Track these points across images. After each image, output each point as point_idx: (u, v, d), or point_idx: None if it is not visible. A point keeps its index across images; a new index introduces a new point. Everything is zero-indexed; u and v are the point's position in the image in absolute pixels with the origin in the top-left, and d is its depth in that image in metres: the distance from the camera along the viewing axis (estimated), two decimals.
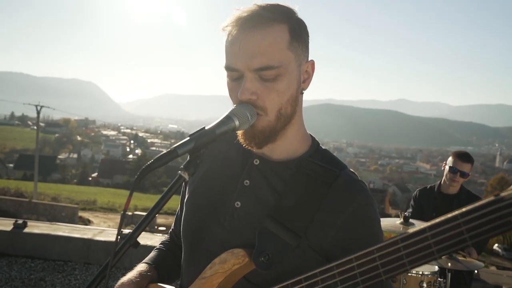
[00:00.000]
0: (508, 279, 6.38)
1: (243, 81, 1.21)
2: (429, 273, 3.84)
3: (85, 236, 7.10)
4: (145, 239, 7.12)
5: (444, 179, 4.46)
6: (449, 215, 0.95)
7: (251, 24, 1.19)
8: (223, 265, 1.23)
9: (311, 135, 1.40)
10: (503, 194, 0.91)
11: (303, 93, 1.31)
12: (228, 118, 1.19)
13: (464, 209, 0.93)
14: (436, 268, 3.95)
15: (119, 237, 1.14)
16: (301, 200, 1.24)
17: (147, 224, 1.20)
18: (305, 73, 1.29)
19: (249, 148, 1.30)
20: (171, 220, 19.40)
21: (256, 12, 1.19)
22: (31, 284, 6.01)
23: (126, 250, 1.17)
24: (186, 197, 1.46)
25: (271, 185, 1.30)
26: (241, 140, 1.29)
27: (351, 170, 1.33)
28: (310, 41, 1.30)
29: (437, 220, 0.97)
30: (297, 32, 1.23)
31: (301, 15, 1.28)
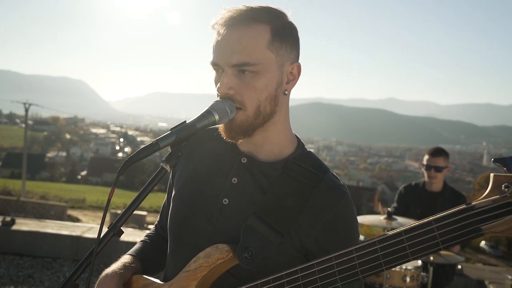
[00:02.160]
0: (490, 274, 6.50)
1: (223, 75, 1.27)
2: (412, 267, 3.93)
3: (74, 233, 7.11)
4: (134, 236, 7.15)
5: (425, 178, 4.55)
6: (424, 221, 1.02)
7: (233, 22, 1.25)
8: (208, 259, 1.28)
9: (297, 137, 1.45)
10: (474, 202, 0.97)
11: (286, 94, 1.35)
12: (208, 113, 1.24)
13: (437, 216, 1.00)
14: (419, 262, 4.04)
15: (103, 227, 1.20)
16: (285, 201, 1.30)
17: (130, 213, 1.25)
18: (289, 75, 1.33)
19: (228, 140, 1.34)
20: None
21: (241, 12, 1.26)
22: (19, 281, 6.01)
23: (110, 238, 1.22)
24: (174, 191, 1.50)
25: (258, 184, 1.35)
26: (221, 133, 1.34)
27: (334, 173, 1.38)
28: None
29: (413, 224, 1.03)
30: (281, 33, 1.28)
31: (293, 15, 1.33)
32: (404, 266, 3.92)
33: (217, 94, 1.30)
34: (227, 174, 1.38)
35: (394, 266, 1.05)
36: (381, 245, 1.06)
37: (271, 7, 1.30)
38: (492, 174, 0.97)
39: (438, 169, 4.38)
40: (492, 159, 0.98)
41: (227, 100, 1.27)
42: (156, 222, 1.74)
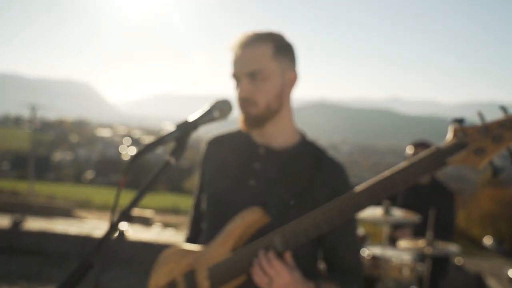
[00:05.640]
0: (490, 268, 6.61)
1: (240, 83, 1.65)
2: (409, 260, 4.05)
3: (82, 231, 7.29)
4: (139, 232, 7.31)
5: None
6: (411, 162, 1.40)
7: (246, 43, 1.66)
8: (243, 219, 1.59)
9: (300, 130, 1.81)
10: (440, 145, 1.38)
11: (289, 94, 1.73)
12: (209, 110, 1.53)
13: (418, 158, 1.39)
14: (416, 255, 4.16)
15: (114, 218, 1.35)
16: (298, 175, 1.69)
17: (137, 201, 1.42)
18: (289, 80, 1.71)
19: (246, 130, 1.69)
20: (166, 217, 19.58)
21: (250, 35, 1.68)
22: (29, 279, 6.18)
23: (121, 220, 1.37)
24: (207, 183, 1.83)
25: (275, 166, 1.71)
26: (241, 124, 1.69)
27: (333, 154, 1.77)
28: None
29: (401, 166, 1.41)
30: (281, 48, 1.68)
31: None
32: (401, 259, 4.05)
33: (237, 97, 1.68)
34: (250, 162, 1.73)
35: (388, 195, 1.41)
36: (380, 182, 1.42)
37: (273, 31, 1.71)
38: (450, 126, 1.40)
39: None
40: (452, 119, 1.41)
41: (226, 101, 1.57)
42: (189, 229, 1.99)
